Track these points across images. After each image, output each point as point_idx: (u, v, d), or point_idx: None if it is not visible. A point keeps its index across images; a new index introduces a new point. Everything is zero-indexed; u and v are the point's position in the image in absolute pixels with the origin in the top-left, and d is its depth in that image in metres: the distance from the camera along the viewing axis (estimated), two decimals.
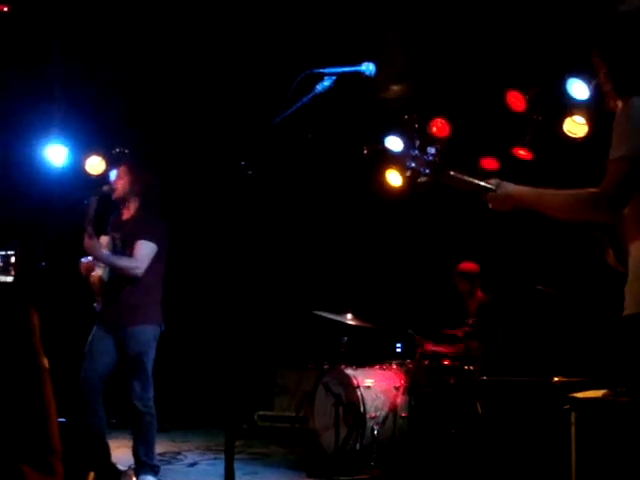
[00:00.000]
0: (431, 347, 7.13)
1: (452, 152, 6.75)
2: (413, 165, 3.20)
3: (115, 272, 5.62)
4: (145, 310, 5.63)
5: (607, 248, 3.23)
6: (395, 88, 7.71)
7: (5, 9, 6.15)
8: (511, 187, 3.14)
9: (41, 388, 1.99)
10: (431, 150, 3.19)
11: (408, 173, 3.21)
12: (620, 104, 2.99)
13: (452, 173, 3.19)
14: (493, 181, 3.18)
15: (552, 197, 3.05)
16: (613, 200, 2.85)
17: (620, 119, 2.91)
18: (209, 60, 7.30)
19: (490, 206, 3.21)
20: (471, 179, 3.22)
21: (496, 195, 3.15)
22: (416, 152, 3.19)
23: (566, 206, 3.01)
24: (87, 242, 5.48)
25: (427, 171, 3.17)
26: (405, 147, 3.11)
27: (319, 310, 7.31)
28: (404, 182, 8.40)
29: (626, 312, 2.90)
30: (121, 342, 5.57)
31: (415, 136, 7.39)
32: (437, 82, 7.21)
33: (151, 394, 5.59)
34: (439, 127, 7.56)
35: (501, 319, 7.09)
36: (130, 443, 5.71)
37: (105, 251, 5.59)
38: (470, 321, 7.13)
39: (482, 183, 3.19)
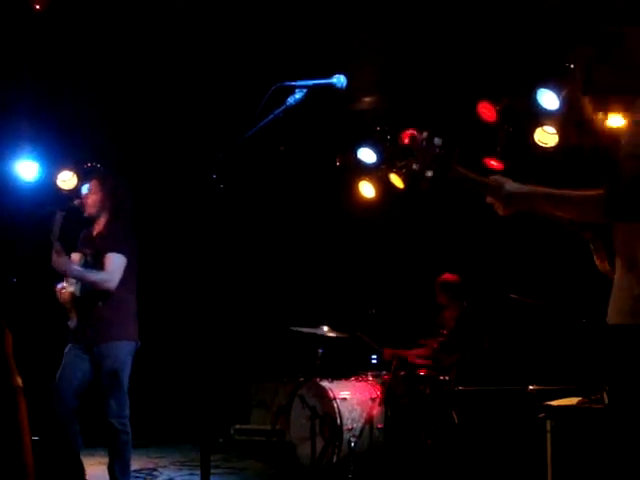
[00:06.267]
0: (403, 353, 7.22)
1: None
2: (420, 158, 3.00)
3: (87, 287, 5.56)
4: (120, 325, 5.54)
5: (599, 252, 3.12)
6: (367, 100, 7.73)
7: None
8: (516, 185, 2.96)
9: (15, 408, 1.96)
10: (437, 142, 2.98)
11: (416, 167, 2.99)
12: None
13: (459, 168, 2.98)
14: (499, 179, 3.00)
15: (561, 197, 2.88)
16: (627, 199, 2.67)
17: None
18: (180, 74, 7.29)
19: (498, 208, 3.02)
20: (479, 176, 3.04)
21: (503, 193, 2.96)
22: (423, 144, 2.99)
23: (575, 206, 2.85)
24: (55, 259, 5.42)
25: (434, 165, 2.96)
26: (411, 139, 2.81)
27: (294, 323, 7.31)
28: (378, 194, 8.43)
29: (610, 321, 2.80)
30: (96, 359, 5.48)
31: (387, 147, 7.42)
32: (408, 93, 7.24)
33: (127, 412, 5.51)
34: None
35: (479, 328, 7.12)
36: (104, 460, 5.65)
37: (75, 266, 5.53)
38: (445, 331, 7.15)
39: (489, 181, 3.01)
